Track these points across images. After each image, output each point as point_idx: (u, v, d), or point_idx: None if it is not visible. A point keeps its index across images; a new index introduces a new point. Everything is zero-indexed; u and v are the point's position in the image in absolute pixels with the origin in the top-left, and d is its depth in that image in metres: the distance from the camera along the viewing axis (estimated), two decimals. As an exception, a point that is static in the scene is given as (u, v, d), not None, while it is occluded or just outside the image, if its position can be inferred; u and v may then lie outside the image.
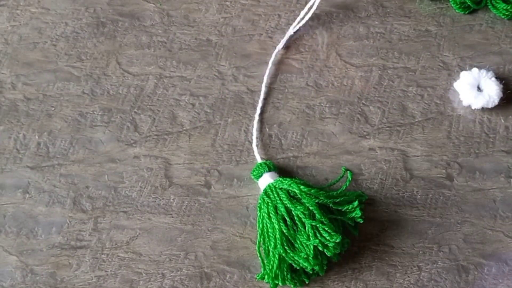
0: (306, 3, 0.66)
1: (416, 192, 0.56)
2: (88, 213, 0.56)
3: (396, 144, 0.58)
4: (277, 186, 0.53)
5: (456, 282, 0.52)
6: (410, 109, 0.60)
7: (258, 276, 0.51)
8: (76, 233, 0.55)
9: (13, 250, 0.54)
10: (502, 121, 0.59)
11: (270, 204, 0.52)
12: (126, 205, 0.56)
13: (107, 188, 0.57)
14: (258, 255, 0.51)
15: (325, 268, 0.51)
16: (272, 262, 0.50)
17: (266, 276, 0.51)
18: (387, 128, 0.59)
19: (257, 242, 0.52)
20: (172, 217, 0.55)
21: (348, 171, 0.55)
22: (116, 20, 0.66)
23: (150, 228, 0.55)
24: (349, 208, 0.52)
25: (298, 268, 0.50)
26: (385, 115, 0.60)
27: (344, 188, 0.54)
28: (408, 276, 0.52)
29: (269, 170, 0.55)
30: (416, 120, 0.59)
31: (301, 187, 0.52)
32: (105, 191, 0.57)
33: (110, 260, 0.54)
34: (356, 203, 0.52)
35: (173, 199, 0.56)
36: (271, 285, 0.51)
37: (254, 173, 0.55)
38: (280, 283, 0.51)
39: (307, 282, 0.51)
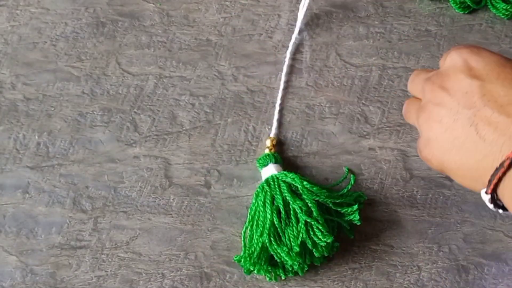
0: (306, 3, 0.66)
1: (416, 192, 0.56)
2: (88, 213, 0.56)
3: (396, 144, 0.58)
4: (280, 178, 0.53)
5: (456, 282, 0.52)
6: (410, 109, 0.60)
7: (235, 257, 0.51)
8: (76, 233, 0.55)
9: (13, 250, 0.54)
10: (502, 121, 0.59)
11: (268, 193, 0.52)
12: (126, 205, 0.56)
13: (107, 188, 0.57)
14: (242, 238, 0.51)
15: (305, 269, 0.51)
16: (253, 249, 0.50)
17: (243, 260, 0.51)
18: (387, 128, 0.59)
19: (244, 227, 0.52)
20: (172, 217, 0.55)
21: (351, 175, 0.55)
22: (116, 20, 0.66)
23: (150, 228, 0.55)
24: (348, 211, 0.52)
25: (278, 261, 0.50)
26: (385, 115, 0.60)
27: (345, 191, 0.54)
28: (408, 276, 0.52)
29: (275, 162, 0.55)
30: (416, 120, 0.59)
31: (304, 182, 0.52)
32: (105, 191, 0.57)
33: (110, 260, 0.54)
34: (355, 206, 0.52)
35: (173, 199, 0.56)
36: (245, 271, 0.51)
37: (260, 161, 0.55)
38: (255, 271, 0.51)
39: (283, 278, 0.51)
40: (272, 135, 0.58)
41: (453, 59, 0.45)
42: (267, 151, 0.57)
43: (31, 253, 0.54)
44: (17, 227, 0.55)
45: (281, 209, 0.51)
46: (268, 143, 0.57)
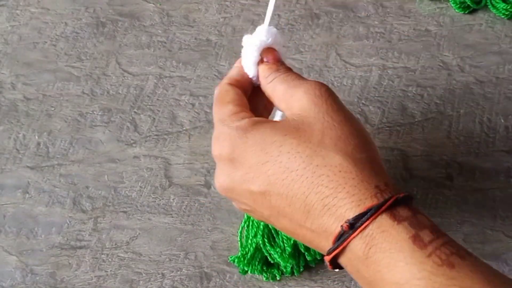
0: (306, 3, 0.66)
1: (416, 192, 0.56)
2: (88, 213, 0.56)
3: (396, 144, 0.58)
4: None
5: (456, 282, 0.52)
6: (410, 109, 0.60)
7: (231, 258, 0.51)
8: (76, 233, 0.55)
9: (13, 250, 0.54)
10: (502, 121, 0.59)
11: None
12: (126, 205, 0.56)
13: (107, 188, 0.57)
14: (238, 238, 0.52)
15: (301, 270, 0.51)
16: (247, 249, 0.51)
17: (237, 260, 0.51)
18: (387, 128, 0.59)
19: (240, 226, 0.52)
20: (172, 217, 0.55)
21: None
22: (116, 20, 0.66)
23: (150, 228, 0.55)
24: None
25: (273, 262, 0.51)
26: (385, 115, 0.60)
27: None
28: (408, 276, 0.52)
29: None
30: (416, 120, 0.59)
31: None
32: (105, 191, 0.57)
33: (110, 260, 0.54)
34: None
35: (173, 199, 0.56)
36: (240, 271, 0.51)
37: None
38: (249, 271, 0.51)
39: (278, 278, 0.52)
40: None
41: (218, 164, 0.44)
42: None
43: (31, 253, 0.54)
44: (17, 227, 0.55)
45: None
46: None
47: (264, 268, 0.51)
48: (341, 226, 0.37)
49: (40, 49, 0.65)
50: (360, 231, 0.37)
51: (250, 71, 0.46)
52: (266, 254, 0.51)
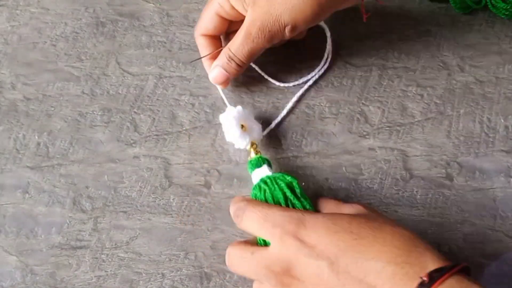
0: (306, 3, 0.66)
1: (416, 192, 0.56)
2: (88, 213, 0.56)
3: (395, 143, 0.58)
4: (277, 177, 0.51)
5: (456, 282, 0.52)
6: (410, 108, 0.60)
7: None
8: (76, 233, 0.55)
9: (13, 250, 0.54)
10: (502, 121, 0.59)
11: (267, 191, 0.51)
12: (126, 205, 0.56)
13: (107, 188, 0.57)
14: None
15: None
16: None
17: None
18: (386, 128, 0.59)
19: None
20: (172, 217, 0.55)
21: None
22: (116, 20, 0.66)
23: (150, 228, 0.55)
24: None
25: None
26: (384, 115, 0.60)
27: None
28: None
29: (268, 165, 0.54)
30: (416, 119, 0.59)
31: (300, 189, 0.51)
32: (105, 191, 0.57)
33: (110, 260, 0.54)
34: None
35: (173, 199, 0.56)
36: None
37: (252, 162, 0.54)
38: None
39: None
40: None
41: (280, 239, 0.45)
42: (253, 154, 0.56)
43: (31, 253, 0.54)
44: (17, 227, 0.55)
45: (282, 203, 0.50)
46: (249, 147, 0.56)
47: None
48: (421, 277, 0.40)
49: (40, 49, 0.65)
50: (440, 283, 0.40)
51: (239, 144, 0.56)
52: None
